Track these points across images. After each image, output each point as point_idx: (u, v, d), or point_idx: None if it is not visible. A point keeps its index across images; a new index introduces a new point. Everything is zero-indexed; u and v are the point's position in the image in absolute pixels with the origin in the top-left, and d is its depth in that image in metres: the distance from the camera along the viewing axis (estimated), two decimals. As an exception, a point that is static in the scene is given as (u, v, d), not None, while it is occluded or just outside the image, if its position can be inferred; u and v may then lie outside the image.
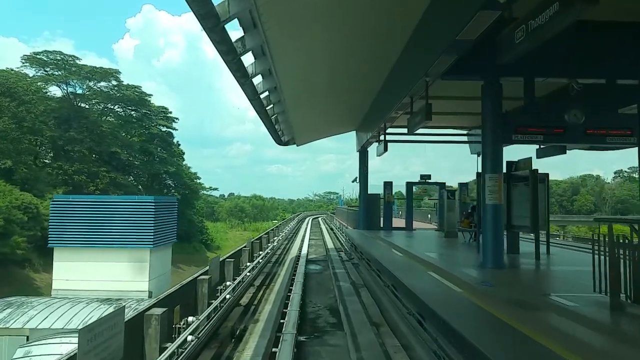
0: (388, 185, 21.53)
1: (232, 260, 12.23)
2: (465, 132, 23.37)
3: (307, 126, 21.19)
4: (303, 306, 11.49)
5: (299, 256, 20.53)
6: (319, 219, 67.14)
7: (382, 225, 21.74)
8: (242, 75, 9.65)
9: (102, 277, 15.76)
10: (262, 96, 12.45)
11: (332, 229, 41.77)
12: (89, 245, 15.96)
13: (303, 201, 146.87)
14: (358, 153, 22.66)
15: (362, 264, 17.13)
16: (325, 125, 22.44)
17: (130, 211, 16.07)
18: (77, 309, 14.38)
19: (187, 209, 60.66)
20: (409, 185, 21.92)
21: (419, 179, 21.56)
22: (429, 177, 21.40)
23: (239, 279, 11.88)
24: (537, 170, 11.94)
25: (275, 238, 21.42)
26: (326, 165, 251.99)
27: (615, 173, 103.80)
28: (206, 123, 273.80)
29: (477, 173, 13.22)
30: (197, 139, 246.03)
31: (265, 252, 17.37)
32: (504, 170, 20.67)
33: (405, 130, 22.13)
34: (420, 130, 24.02)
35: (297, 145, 22.33)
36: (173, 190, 60.82)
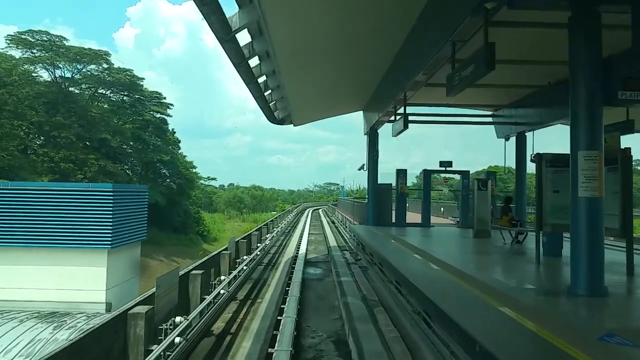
0: (401, 173, 17.80)
1: (201, 272, 8.55)
2: (489, 112, 19.71)
3: (307, 104, 17.47)
4: (298, 335, 7.99)
5: (296, 257, 16.98)
6: (320, 210, 63.48)
7: (393, 220, 18.10)
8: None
9: (47, 285, 12.16)
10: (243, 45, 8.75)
11: (333, 222, 38.16)
12: (30, 244, 12.30)
13: (303, 192, 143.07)
14: (366, 136, 18.92)
15: (372, 270, 13.58)
16: (328, 104, 18.70)
17: (83, 203, 12.37)
18: (5, 328, 10.78)
19: (182, 199, 57.22)
20: (427, 173, 18.18)
21: (439, 166, 17.83)
22: (449, 164, 17.69)
23: (208, 299, 8.25)
24: (629, 149, 8.29)
25: (268, 235, 17.76)
26: (326, 156, 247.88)
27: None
28: (206, 113, 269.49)
29: (538, 154, 9.61)
30: (198, 129, 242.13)
31: (255, 253, 13.75)
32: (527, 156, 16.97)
33: (422, 110, 18.51)
34: (437, 110, 20.29)
35: (295, 125, 18.56)
36: (168, 180, 57.27)
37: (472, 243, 13.24)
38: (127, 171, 54.31)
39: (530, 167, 17.95)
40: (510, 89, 15.91)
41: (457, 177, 20.71)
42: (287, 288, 11.57)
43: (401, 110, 13.92)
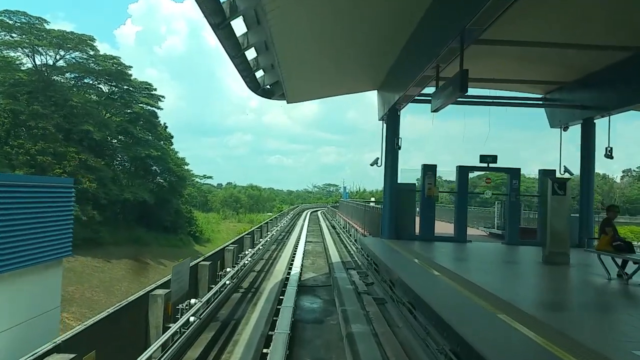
0: (429, 170, 12.99)
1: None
2: (539, 94, 14.98)
3: (306, 76, 12.72)
4: None
5: (287, 279, 12.23)
6: (319, 213, 58.46)
7: (417, 231, 13.30)
8: None
9: None
10: None
11: (334, 227, 33.33)
12: None
13: (302, 193, 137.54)
14: (382, 122, 14.11)
15: (396, 309, 8.95)
16: (334, 80, 13.94)
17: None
18: None
19: (174, 197, 52.49)
20: (463, 170, 13.30)
21: (479, 161, 12.98)
22: (493, 158, 12.89)
23: None
24: None
25: (249, 251, 12.88)
26: (326, 157, 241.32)
27: (623, 172, 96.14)
28: (207, 112, 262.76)
29: None
30: (199, 127, 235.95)
31: (223, 282, 8.95)
32: None
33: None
34: (473, 92, 15.40)
35: (288, 102, 13.59)
36: (159, 177, 52.59)
37: (556, 275, 8.44)
38: (117, 166, 49.74)
39: (602, 165, 13.33)
40: (586, 52, 11.16)
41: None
42: (264, 350, 6.83)
43: (439, 76, 9.18)
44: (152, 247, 47.45)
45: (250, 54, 9.45)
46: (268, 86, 11.85)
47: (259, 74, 11.16)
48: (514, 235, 12.85)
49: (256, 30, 8.10)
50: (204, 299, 6.90)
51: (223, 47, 7.65)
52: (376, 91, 15.11)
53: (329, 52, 11.13)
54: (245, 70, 9.77)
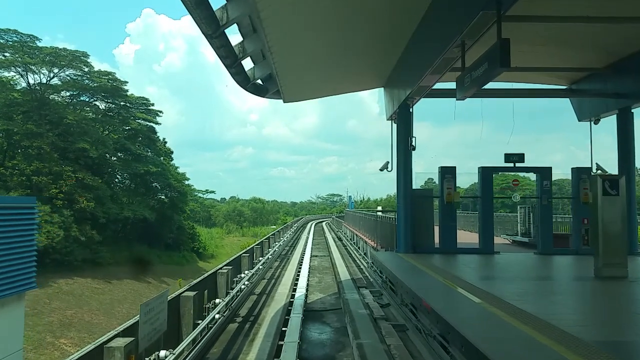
0: (448, 173, 11.33)
1: None
2: (564, 87, 13.41)
3: (302, 69, 11.17)
4: None
5: (291, 303, 10.61)
6: (323, 224, 56.68)
7: (437, 243, 11.63)
8: None
9: None
10: None
11: (340, 239, 31.60)
12: None
13: (306, 204, 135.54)
14: (391, 121, 12.53)
15: (419, 340, 7.31)
16: (334, 73, 12.40)
17: None
18: None
19: (175, 213, 50.97)
20: (487, 171, 11.59)
21: (503, 161, 11.33)
22: (520, 157, 11.25)
23: None
24: None
25: (247, 273, 11.17)
26: (328, 167, 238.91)
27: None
28: (207, 126, 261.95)
29: None
30: (200, 142, 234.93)
31: (213, 314, 7.31)
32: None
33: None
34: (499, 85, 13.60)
35: (285, 101, 11.94)
36: (159, 194, 51.11)
37: (625, 295, 6.76)
38: (116, 184, 48.35)
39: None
40: (622, 30, 9.63)
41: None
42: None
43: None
44: (154, 265, 45.82)
45: (235, 38, 7.92)
46: (260, 81, 10.24)
47: (248, 65, 9.60)
48: (548, 244, 11.15)
49: (238, 3, 6.49)
50: (178, 349, 5.23)
51: (195, 21, 6.03)
52: (382, 89, 13.57)
53: (328, 38, 9.57)
54: (228, 57, 7.98)
